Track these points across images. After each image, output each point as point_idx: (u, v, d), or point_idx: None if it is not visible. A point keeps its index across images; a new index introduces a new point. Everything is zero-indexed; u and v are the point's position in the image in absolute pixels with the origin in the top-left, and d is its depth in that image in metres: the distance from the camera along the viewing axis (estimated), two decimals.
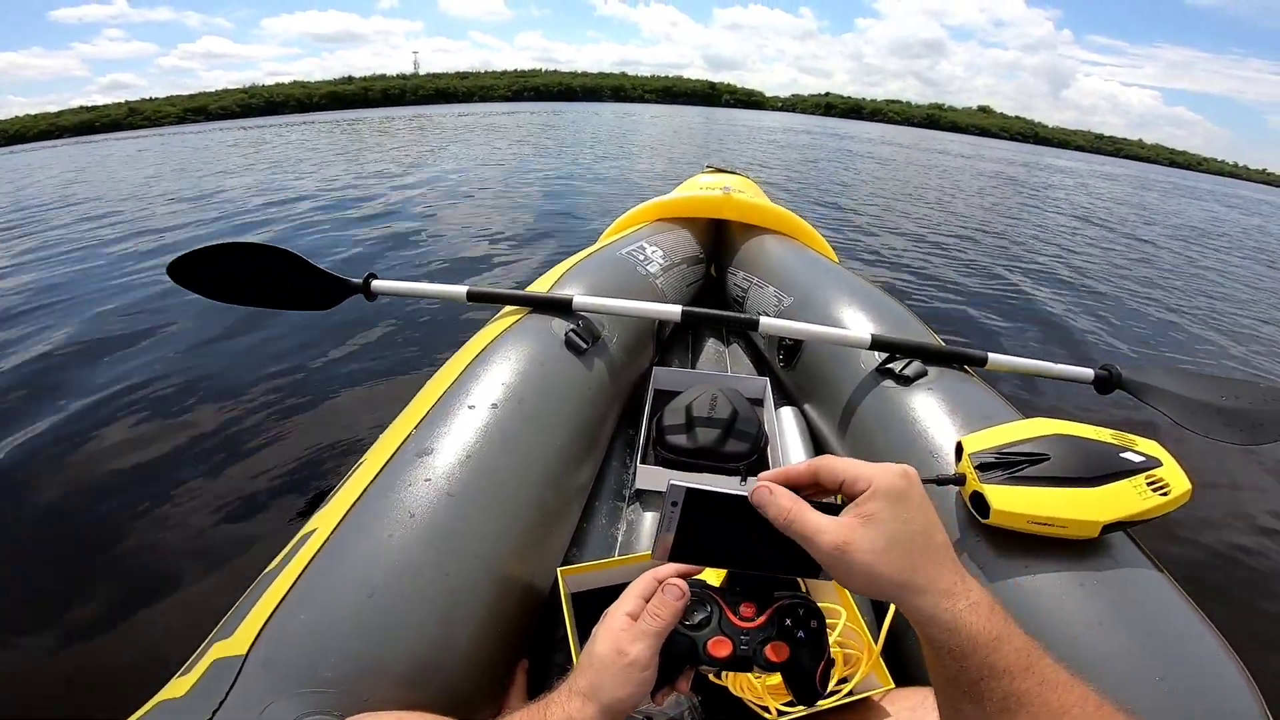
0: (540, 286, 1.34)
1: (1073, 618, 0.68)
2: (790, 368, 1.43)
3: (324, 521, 0.74)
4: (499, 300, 1.27)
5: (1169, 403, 1.13)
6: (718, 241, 2.15)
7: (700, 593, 0.51)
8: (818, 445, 1.27)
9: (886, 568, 0.40)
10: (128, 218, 5.61)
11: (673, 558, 0.52)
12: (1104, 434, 0.80)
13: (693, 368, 1.67)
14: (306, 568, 0.67)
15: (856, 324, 1.27)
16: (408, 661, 0.62)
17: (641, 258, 1.64)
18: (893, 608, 0.78)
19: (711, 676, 0.75)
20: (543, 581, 0.86)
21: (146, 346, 2.49)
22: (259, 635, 0.60)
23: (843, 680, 0.74)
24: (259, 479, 1.65)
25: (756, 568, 0.52)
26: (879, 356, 1.15)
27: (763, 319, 1.19)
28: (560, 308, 1.20)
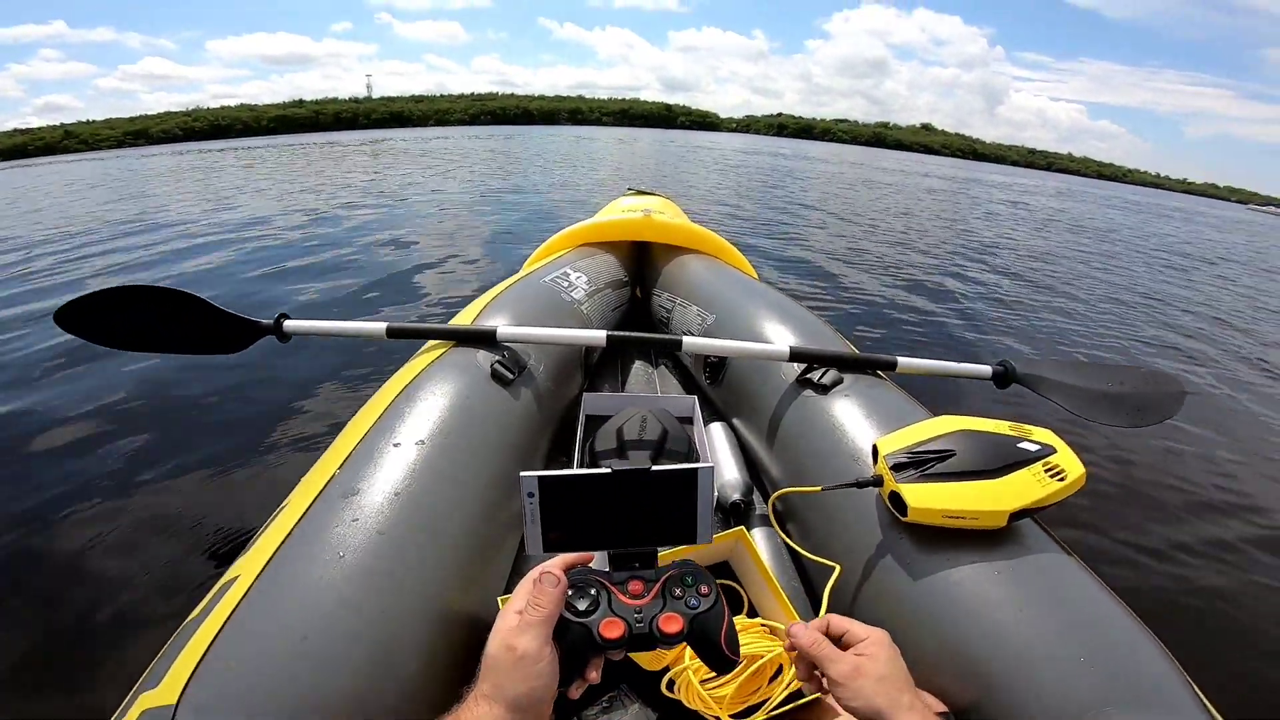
0: (463, 319, 1.32)
1: (994, 605, 0.71)
2: (717, 384, 1.47)
3: (247, 568, 0.71)
4: (421, 335, 1.24)
5: (1061, 393, 1.22)
6: (640, 263, 2.18)
7: (584, 579, 0.51)
8: (747, 458, 1.30)
9: (884, 689, 0.54)
10: (19, 257, 5.13)
11: (550, 548, 0.53)
12: (1002, 426, 0.87)
13: (622, 390, 1.68)
14: (233, 614, 0.64)
15: (776, 337, 1.32)
16: (350, 702, 0.60)
17: (565, 284, 1.64)
18: (826, 597, 0.81)
19: (664, 689, 0.76)
20: (486, 612, 0.84)
21: (37, 400, 2.29)
22: (188, 683, 0.57)
23: (777, 678, 0.75)
24: (172, 529, 1.57)
25: (635, 543, 0.54)
26: (798, 368, 1.19)
27: (685, 339, 1.22)
28: (484, 339, 1.19)
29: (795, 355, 1.17)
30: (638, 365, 1.77)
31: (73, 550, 1.51)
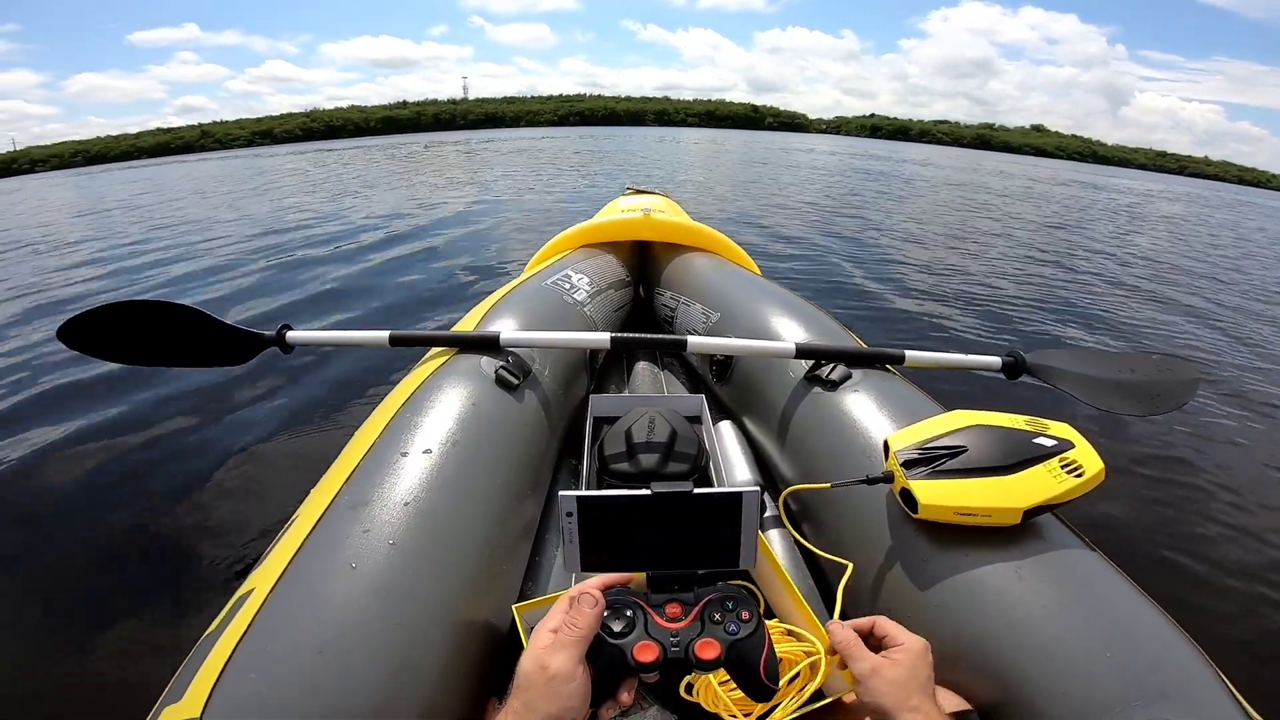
0: (466, 325, 1.32)
1: (1013, 601, 0.70)
2: (724, 382, 1.45)
3: (261, 581, 0.71)
4: (423, 342, 1.23)
5: (1072, 382, 1.20)
6: (643, 263, 2.17)
7: (621, 600, 0.51)
8: (757, 456, 1.29)
9: (895, 691, 0.56)
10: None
11: (587, 568, 0.53)
12: (1018, 421, 0.85)
13: (629, 391, 1.67)
14: (249, 628, 0.64)
15: (782, 334, 1.31)
16: (369, 715, 0.61)
17: (568, 286, 1.63)
18: (840, 595, 0.80)
19: (682, 693, 0.75)
20: (500, 620, 0.84)
21: (46, 417, 2.29)
22: (210, 697, 0.57)
23: (794, 680, 0.74)
24: (185, 544, 1.59)
25: (674, 565, 0.53)
26: (806, 364, 1.18)
27: (690, 338, 1.21)
28: (488, 345, 1.18)
29: (802, 352, 1.16)
30: (643, 365, 1.76)
31: (86, 565, 1.52)
